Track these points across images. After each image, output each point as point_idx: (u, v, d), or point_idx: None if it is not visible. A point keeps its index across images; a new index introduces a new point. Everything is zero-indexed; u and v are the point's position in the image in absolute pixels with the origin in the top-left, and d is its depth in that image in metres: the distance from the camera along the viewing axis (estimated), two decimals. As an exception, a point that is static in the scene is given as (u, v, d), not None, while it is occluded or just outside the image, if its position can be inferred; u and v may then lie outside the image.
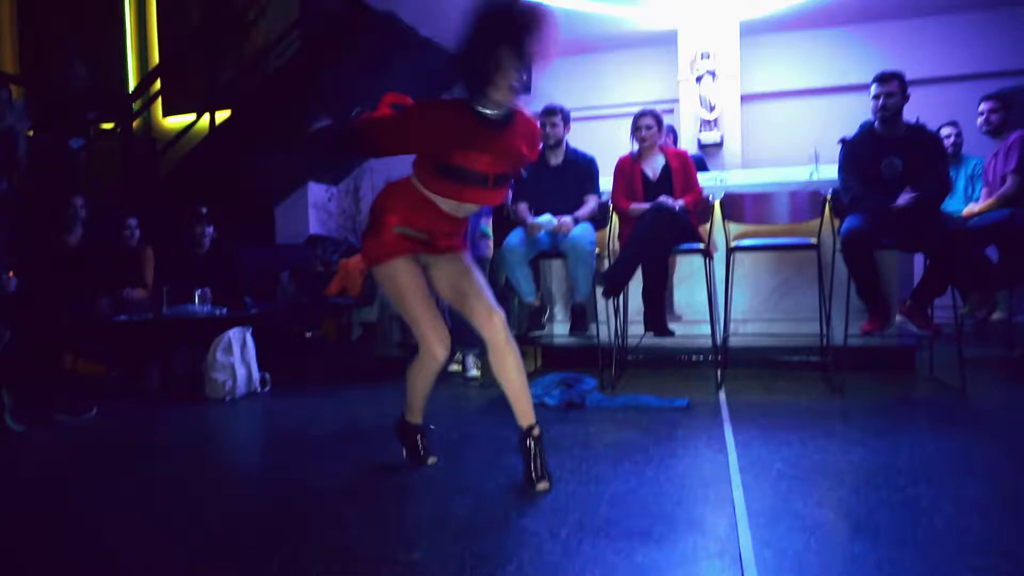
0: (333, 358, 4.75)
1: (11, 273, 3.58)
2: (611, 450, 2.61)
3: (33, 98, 6.19)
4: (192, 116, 6.84)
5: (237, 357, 3.97)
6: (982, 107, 4.29)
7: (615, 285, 3.63)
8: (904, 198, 3.38)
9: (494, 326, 2.16)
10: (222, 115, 6.61)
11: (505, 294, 4.93)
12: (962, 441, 2.63)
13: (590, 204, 3.92)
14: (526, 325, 4.02)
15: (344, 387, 4.22)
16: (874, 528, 1.77)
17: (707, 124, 6.06)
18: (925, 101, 5.33)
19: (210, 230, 4.72)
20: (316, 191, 7.01)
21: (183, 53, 7.55)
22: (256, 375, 4.08)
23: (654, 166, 4.00)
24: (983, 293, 4.22)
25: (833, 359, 3.83)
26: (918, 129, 3.65)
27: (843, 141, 3.76)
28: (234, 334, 4.00)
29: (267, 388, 4.13)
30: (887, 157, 3.59)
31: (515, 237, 3.83)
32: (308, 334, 5.32)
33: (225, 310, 4.29)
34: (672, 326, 4.02)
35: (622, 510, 1.96)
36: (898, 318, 3.64)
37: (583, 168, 4.00)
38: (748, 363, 4.23)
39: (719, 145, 6.06)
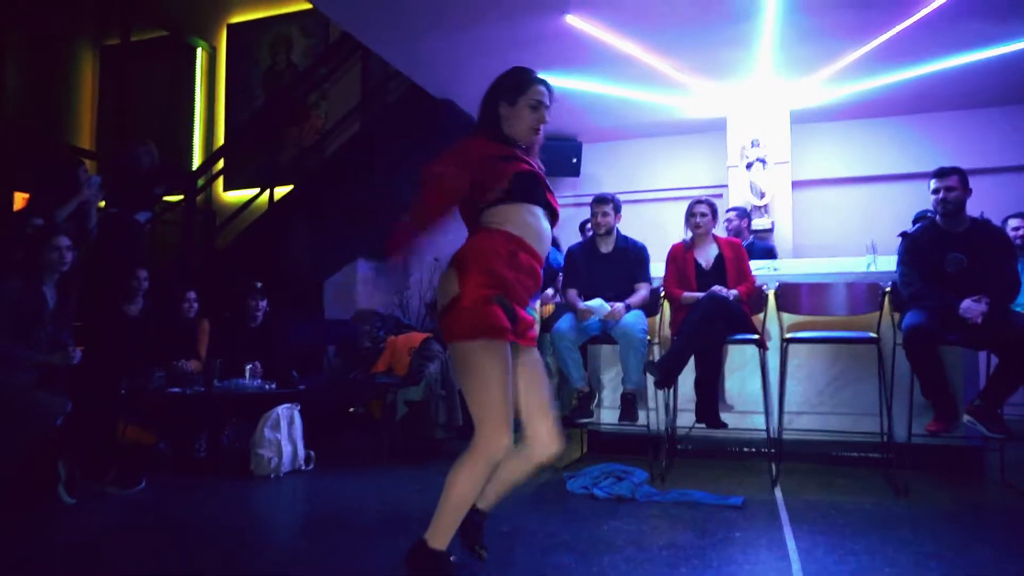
0: (377, 437, 4.71)
1: (76, 346, 3.67)
2: (666, 552, 2.50)
3: (105, 173, 6.53)
4: (251, 191, 7.13)
5: (284, 434, 3.98)
6: (1046, 201, 4.20)
7: (668, 375, 3.57)
8: (973, 310, 3.28)
9: (547, 453, 2.09)
10: (281, 191, 6.87)
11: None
12: (1045, 559, 2.45)
13: (642, 292, 3.90)
14: (574, 411, 3.96)
15: (387, 468, 4.17)
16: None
17: (757, 210, 6.05)
18: (990, 191, 5.28)
19: (263, 304, 4.82)
20: (365, 267, 7.15)
21: (246, 131, 7.93)
22: (301, 453, 4.07)
23: (707, 255, 3.98)
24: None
25: (895, 457, 3.66)
26: (983, 224, 3.58)
27: (904, 235, 3.70)
28: (283, 411, 4.02)
29: (311, 466, 4.11)
30: (951, 252, 3.52)
31: (565, 322, 3.82)
32: (352, 410, 5.31)
33: (274, 385, 4.33)
34: (724, 417, 3.92)
35: (684, 624, 1.86)
36: (966, 418, 3.48)
37: (634, 256, 4.00)
38: (803, 458, 4.07)
39: (770, 231, 6.03)
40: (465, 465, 1.96)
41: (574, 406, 3.94)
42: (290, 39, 8.18)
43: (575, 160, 6.81)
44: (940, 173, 3.57)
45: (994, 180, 5.89)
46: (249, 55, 8.43)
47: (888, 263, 3.93)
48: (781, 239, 6.02)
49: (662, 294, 4.02)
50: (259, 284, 4.84)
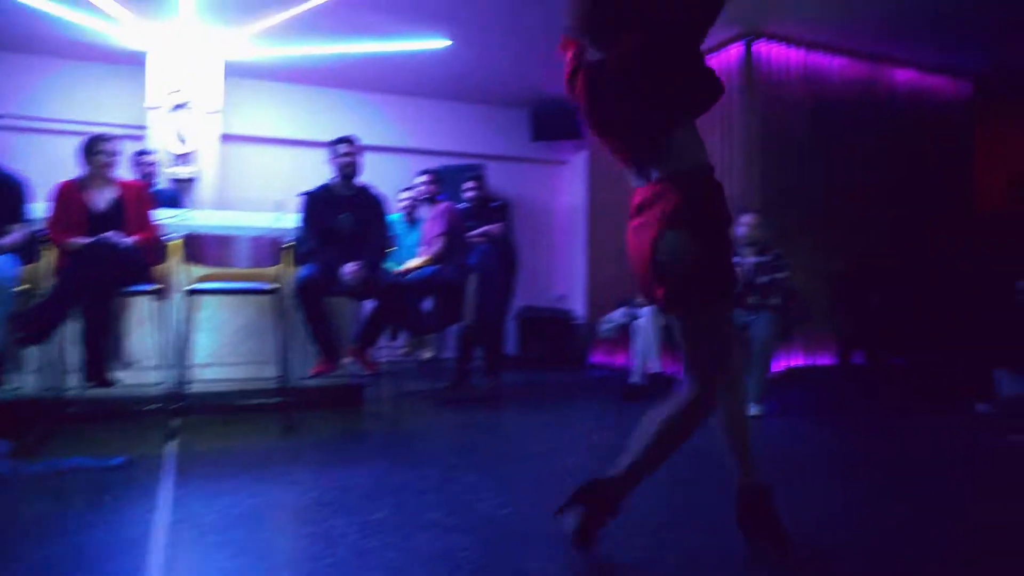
0: None
1: None
2: (10, 531, 2.18)
3: None
4: None
5: None
6: (420, 179, 5.05)
7: (37, 331, 3.11)
8: (348, 273, 3.78)
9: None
10: None
11: None
12: (383, 468, 2.97)
13: (14, 234, 3.31)
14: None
15: None
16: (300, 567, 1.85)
17: (181, 158, 5.76)
18: (391, 166, 6.30)
19: None
20: None
21: None
22: None
23: (104, 196, 3.60)
24: (418, 336, 4.97)
25: (292, 401, 3.97)
26: (365, 189, 4.13)
27: (305, 194, 4.02)
28: None
29: None
30: (342, 213, 3.97)
31: None
32: None
33: None
34: (123, 374, 3.66)
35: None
36: (347, 360, 3.99)
37: (10, 192, 3.36)
38: (209, 410, 4.07)
39: (192, 182, 5.80)
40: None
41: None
42: None
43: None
44: (348, 140, 4.05)
45: (390, 158, 6.92)
46: None
47: (294, 220, 4.21)
48: (205, 191, 5.89)
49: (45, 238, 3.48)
50: None
